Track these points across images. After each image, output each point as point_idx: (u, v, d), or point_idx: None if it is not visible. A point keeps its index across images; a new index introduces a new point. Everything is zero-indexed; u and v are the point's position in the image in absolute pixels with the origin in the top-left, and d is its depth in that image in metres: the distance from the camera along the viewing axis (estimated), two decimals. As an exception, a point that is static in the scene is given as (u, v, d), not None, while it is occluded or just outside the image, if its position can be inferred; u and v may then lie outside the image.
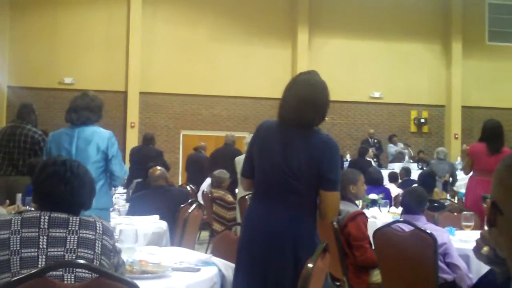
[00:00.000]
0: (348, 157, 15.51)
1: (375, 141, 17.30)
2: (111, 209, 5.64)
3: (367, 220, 5.28)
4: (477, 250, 1.72)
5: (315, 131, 3.41)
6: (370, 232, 4.94)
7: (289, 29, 18.59)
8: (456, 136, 18.99)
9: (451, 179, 12.55)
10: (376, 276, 5.03)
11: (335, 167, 3.39)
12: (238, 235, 3.63)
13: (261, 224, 3.35)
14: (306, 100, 3.36)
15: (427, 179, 8.11)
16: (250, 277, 3.34)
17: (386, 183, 10.28)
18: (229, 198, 8.87)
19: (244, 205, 7.31)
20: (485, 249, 1.68)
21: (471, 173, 7.53)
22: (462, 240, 4.93)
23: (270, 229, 3.32)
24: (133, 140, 16.85)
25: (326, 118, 3.47)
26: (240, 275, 3.38)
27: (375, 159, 15.81)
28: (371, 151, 15.53)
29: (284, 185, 3.33)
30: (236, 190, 9.47)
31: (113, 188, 6.55)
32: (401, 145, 17.36)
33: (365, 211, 6.28)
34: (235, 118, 17.65)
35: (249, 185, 3.57)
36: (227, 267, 3.52)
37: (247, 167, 3.54)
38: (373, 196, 7.63)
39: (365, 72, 18.73)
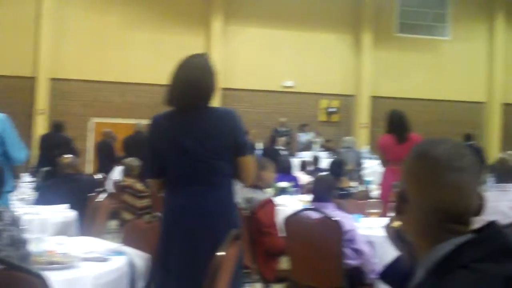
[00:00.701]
0: (259, 145, 15.62)
1: (286, 129, 17.48)
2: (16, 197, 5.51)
3: (275, 207, 5.36)
4: (386, 229, 1.79)
5: (212, 108, 3.47)
6: (279, 220, 5.02)
7: (203, 16, 18.50)
8: (364, 125, 19.45)
9: (357, 167, 12.86)
10: (284, 263, 5.12)
11: (243, 132, 3.51)
12: (159, 226, 3.59)
13: (188, 212, 3.35)
14: (190, 82, 3.40)
15: (336, 168, 8.29)
16: (172, 262, 3.34)
17: (296, 171, 10.44)
18: (140, 186, 8.78)
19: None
20: (390, 230, 1.75)
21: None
22: (367, 227, 5.07)
23: (200, 213, 3.33)
24: (42, 127, 16.41)
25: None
26: (162, 260, 3.38)
27: (285, 148, 15.99)
28: (281, 139, 15.70)
29: (201, 170, 3.35)
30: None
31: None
32: (312, 134, 17.61)
33: (275, 199, 6.36)
34: (146, 105, 17.44)
35: (159, 186, 3.56)
36: (138, 257, 3.50)
37: (155, 166, 3.49)
38: (282, 184, 7.74)
39: (278, 61, 18.88)
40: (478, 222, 1.58)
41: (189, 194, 3.37)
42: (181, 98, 3.41)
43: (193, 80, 3.40)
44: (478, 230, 1.54)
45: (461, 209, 1.53)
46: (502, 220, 4.03)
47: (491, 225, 1.54)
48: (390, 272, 1.89)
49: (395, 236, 1.76)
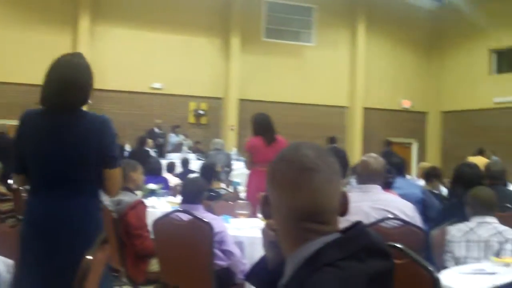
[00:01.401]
0: (127, 147, 15.42)
1: (161, 132, 17.36)
2: None
3: (146, 209, 5.33)
4: (265, 233, 1.82)
5: (84, 112, 3.35)
6: (149, 222, 4.99)
7: (70, 15, 18.01)
8: (232, 127, 19.66)
9: (226, 169, 12.99)
10: (154, 265, 5.09)
11: (114, 144, 3.39)
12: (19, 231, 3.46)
13: (42, 215, 3.25)
14: (68, 82, 3.28)
15: (206, 170, 8.34)
16: (29, 269, 3.23)
17: (165, 173, 10.40)
18: (2, 189, 8.41)
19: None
20: (271, 233, 1.78)
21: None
22: (236, 228, 5.14)
23: (53, 220, 3.23)
24: None
25: (89, 101, 3.42)
26: (20, 267, 3.26)
27: (155, 149, 15.88)
28: (150, 141, 15.57)
29: (61, 174, 3.25)
30: (12, 181, 9.01)
31: None
32: (182, 136, 17.60)
33: (144, 200, 6.31)
34: (12, 105, 16.72)
35: (22, 181, 3.43)
36: (1, 262, 3.37)
37: (17, 162, 3.37)
38: (152, 185, 7.69)
39: (146, 62, 18.72)
40: (343, 222, 1.64)
41: (51, 198, 3.26)
42: (57, 98, 3.27)
43: (71, 79, 3.29)
44: (344, 230, 1.60)
45: (317, 208, 1.57)
46: (365, 220, 4.22)
47: (356, 225, 1.61)
48: (256, 273, 1.91)
49: (272, 237, 1.79)
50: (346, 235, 1.58)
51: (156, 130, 17.14)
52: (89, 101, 3.39)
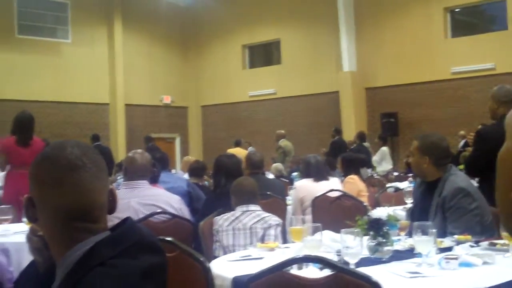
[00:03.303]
0: None
1: None
2: None
3: None
4: (29, 240, 1.77)
5: None
6: None
7: None
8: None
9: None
10: None
11: None
12: None
13: None
14: None
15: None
16: None
17: None
18: None
19: None
20: (35, 239, 1.74)
21: (8, 168, 7.41)
22: (1, 235, 4.90)
23: None
24: None
25: None
26: None
27: None
28: None
29: None
30: None
31: None
32: None
33: None
34: None
35: None
36: None
37: None
38: None
39: None
40: (112, 220, 1.65)
41: None
42: None
43: None
44: (114, 228, 1.62)
45: (85, 207, 1.57)
46: (134, 216, 4.26)
47: (126, 221, 1.63)
48: (26, 279, 1.85)
49: (38, 243, 1.75)
50: (116, 232, 1.59)
51: None
52: None
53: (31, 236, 1.75)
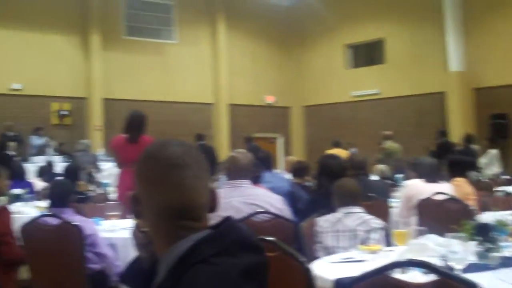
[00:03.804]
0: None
1: (14, 134, 16.63)
2: None
3: (10, 215, 5.13)
4: (134, 235, 1.81)
5: None
6: (16, 228, 4.82)
7: None
8: (98, 127, 19.22)
9: (94, 170, 12.74)
10: (24, 272, 4.92)
11: None
12: None
13: None
14: None
15: (72, 172, 8.14)
16: None
17: (32, 177, 10.06)
18: None
19: None
20: (140, 235, 1.79)
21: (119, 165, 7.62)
22: (108, 230, 5.07)
23: None
24: None
25: None
26: None
27: (16, 153, 15.26)
28: (12, 144, 14.96)
29: None
30: None
31: None
32: (46, 138, 16.96)
33: (9, 206, 6.08)
34: None
35: None
36: None
37: None
38: (17, 191, 7.43)
39: (4, 62, 17.86)
40: (214, 218, 1.66)
41: None
42: None
43: None
44: (215, 226, 1.62)
45: (187, 205, 1.59)
46: (236, 215, 4.30)
47: (227, 220, 1.63)
48: (130, 274, 1.90)
49: (143, 239, 1.79)
50: (217, 230, 1.59)
51: (9, 133, 16.38)
52: None
53: (136, 232, 1.79)
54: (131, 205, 1.67)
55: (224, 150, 19.67)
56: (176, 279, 1.50)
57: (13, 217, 5.16)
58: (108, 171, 12.38)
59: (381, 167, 11.71)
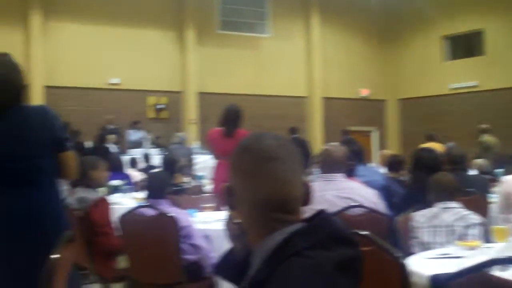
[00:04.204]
0: (87, 144, 15.26)
1: (114, 127, 17.18)
2: None
3: (109, 206, 5.29)
4: (227, 226, 1.83)
5: (23, 106, 3.32)
6: (114, 219, 4.96)
7: (20, 12, 17.63)
8: (193, 121, 19.58)
9: (189, 162, 12.96)
10: (122, 261, 5.07)
11: (60, 128, 3.38)
12: None
13: (6, 215, 3.20)
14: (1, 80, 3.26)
15: (168, 164, 8.30)
16: None
17: (128, 168, 10.34)
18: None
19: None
20: (233, 226, 1.80)
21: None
22: (203, 221, 5.14)
23: (19, 216, 3.18)
24: None
25: (25, 101, 3.39)
26: None
27: (115, 145, 15.75)
28: (111, 137, 15.44)
29: (21, 169, 3.21)
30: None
31: None
32: (143, 131, 17.41)
33: (108, 197, 6.27)
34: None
35: None
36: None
37: None
38: (115, 182, 7.64)
39: (103, 58, 18.44)
40: (308, 211, 1.65)
41: (8, 196, 3.23)
42: None
43: (2, 78, 3.27)
44: (309, 219, 1.61)
45: (282, 198, 1.58)
46: (330, 208, 4.26)
47: (320, 213, 1.62)
48: (224, 265, 1.92)
49: (236, 230, 1.80)
50: (310, 223, 1.59)
51: (109, 126, 16.93)
52: (25, 101, 3.36)
53: (230, 223, 1.81)
54: (225, 196, 1.68)
55: (317, 143, 19.61)
56: (269, 271, 1.50)
57: (112, 208, 5.33)
58: (203, 163, 12.56)
59: (480, 161, 11.34)
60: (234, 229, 1.79)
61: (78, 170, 3.67)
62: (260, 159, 1.60)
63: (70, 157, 3.41)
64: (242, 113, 7.53)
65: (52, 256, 2.80)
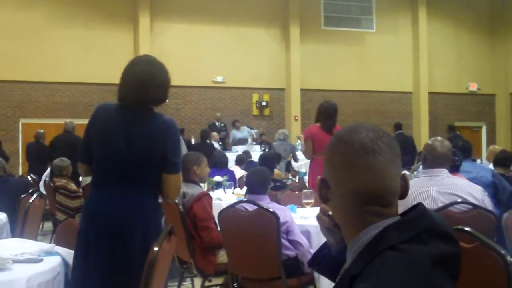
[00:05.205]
0: (193, 141, 15.59)
1: (222, 124, 17.48)
2: None
3: (211, 200, 5.36)
4: (319, 219, 1.81)
5: (156, 114, 3.40)
6: (215, 214, 5.02)
7: (130, 13, 18.23)
8: (296, 118, 19.62)
9: (292, 159, 13.00)
10: (222, 256, 5.13)
11: (177, 150, 3.41)
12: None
13: (105, 211, 3.28)
14: (145, 80, 3.34)
15: (270, 160, 8.35)
16: (93, 265, 3.25)
17: (232, 165, 10.46)
18: (72, 186, 8.64)
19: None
20: (325, 219, 1.78)
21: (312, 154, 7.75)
22: (303, 217, 5.12)
23: (116, 216, 3.26)
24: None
25: (167, 100, 3.47)
26: (81, 264, 3.29)
27: (220, 142, 16.00)
28: (214, 134, 15.70)
29: (126, 170, 3.28)
30: (80, 178, 9.26)
31: None
32: (247, 128, 17.59)
33: (211, 193, 6.37)
34: (77, 104, 17.13)
35: (86, 171, 3.49)
36: (71, 256, 3.44)
37: (83, 152, 3.43)
38: (217, 178, 7.75)
39: (207, 56, 18.78)
40: (405, 206, 1.60)
41: (110, 192, 3.30)
42: (136, 95, 3.33)
43: (151, 75, 3.36)
44: (405, 213, 1.57)
45: (379, 190, 1.55)
46: (433, 204, 4.15)
47: (417, 207, 1.57)
48: (319, 259, 1.91)
49: (328, 223, 1.77)
50: (407, 217, 1.54)
51: (217, 123, 17.23)
52: (167, 100, 3.45)
53: (321, 215, 1.78)
54: (319, 188, 1.66)
55: (423, 139, 19.17)
56: (364, 264, 1.46)
57: (214, 203, 5.40)
58: (305, 160, 12.56)
59: None
60: (326, 222, 1.76)
61: (178, 194, 3.72)
62: (358, 150, 1.56)
63: (174, 181, 3.40)
64: (336, 109, 7.57)
65: (154, 249, 2.86)
